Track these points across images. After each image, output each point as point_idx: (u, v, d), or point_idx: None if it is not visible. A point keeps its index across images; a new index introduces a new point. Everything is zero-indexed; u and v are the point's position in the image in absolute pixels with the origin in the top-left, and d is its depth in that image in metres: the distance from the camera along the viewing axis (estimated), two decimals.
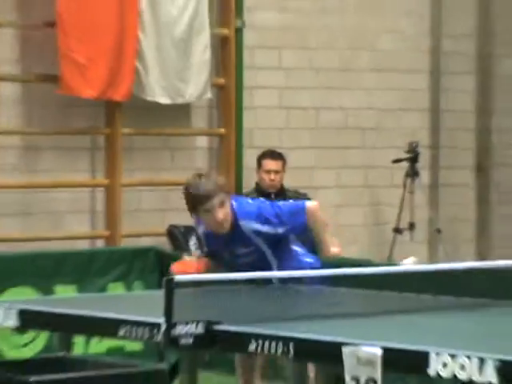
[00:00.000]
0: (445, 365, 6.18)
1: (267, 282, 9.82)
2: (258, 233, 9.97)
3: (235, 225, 9.89)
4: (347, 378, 6.58)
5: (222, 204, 9.69)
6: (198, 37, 14.84)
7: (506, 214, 17.36)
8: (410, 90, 16.91)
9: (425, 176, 16.42)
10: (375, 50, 16.64)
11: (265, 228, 10.02)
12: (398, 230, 15.65)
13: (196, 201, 9.78)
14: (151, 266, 13.58)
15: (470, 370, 6.05)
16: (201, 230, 10.14)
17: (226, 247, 10.05)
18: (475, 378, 5.97)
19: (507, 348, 6.12)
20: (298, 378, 8.09)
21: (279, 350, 6.93)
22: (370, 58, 16.58)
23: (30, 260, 13.28)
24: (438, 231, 16.33)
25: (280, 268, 9.96)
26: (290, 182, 14.45)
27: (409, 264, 13.59)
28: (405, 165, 15.69)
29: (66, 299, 11.00)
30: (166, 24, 14.60)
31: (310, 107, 16.02)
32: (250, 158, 14.93)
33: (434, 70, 17.20)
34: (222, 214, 9.71)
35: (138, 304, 9.07)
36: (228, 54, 15.30)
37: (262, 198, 13.00)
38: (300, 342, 6.90)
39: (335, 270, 9.92)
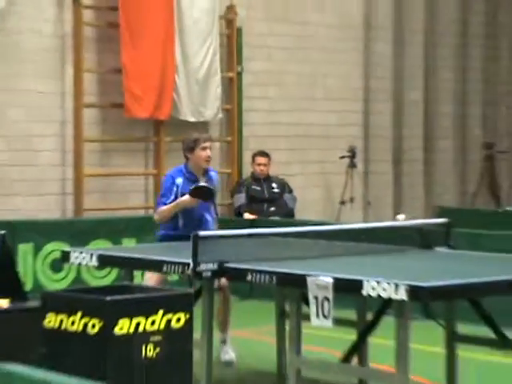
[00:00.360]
0: (373, 288, 6.80)
1: (261, 235, 10.22)
2: (214, 187, 10.34)
3: (208, 172, 10.51)
4: (310, 296, 7.12)
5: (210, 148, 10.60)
6: (213, 78, 14.98)
7: (412, 194, 17.54)
8: (350, 112, 16.89)
9: (360, 167, 16.60)
10: (326, 87, 16.61)
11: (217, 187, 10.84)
12: (342, 202, 15.94)
13: (199, 139, 10.48)
14: None
15: (389, 292, 6.69)
16: (179, 181, 10.22)
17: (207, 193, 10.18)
18: (393, 296, 6.69)
19: (412, 277, 6.96)
20: (280, 297, 8.99)
21: (267, 280, 7.52)
22: (324, 91, 16.60)
23: (106, 223, 13.60)
24: (369, 203, 16.76)
25: (208, 223, 10.31)
26: (273, 171, 14.83)
27: (401, 218, 15.16)
28: (347, 160, 16.13)
29: (129, 248, 11.60)
30: (192, 69, 14.77)
31: (286, 123, 16.12)
32: (247, 156, 15.31)
33: (365, 99, 17.13)
34: (210, 153, 10.54)
35: (175, 250, 9.09)
36: (232, 89, 15.54)
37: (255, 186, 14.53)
38: (280, 274, 7.48)
39: (305, 228, 10.82)
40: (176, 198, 10.19)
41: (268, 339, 9.75)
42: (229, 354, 10.04)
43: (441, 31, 18.10)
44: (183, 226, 10.22)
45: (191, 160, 10.47)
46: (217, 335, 9.28)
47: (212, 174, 10.77)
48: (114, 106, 14.47)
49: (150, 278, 9.80)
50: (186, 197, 10.09)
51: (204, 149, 10.56)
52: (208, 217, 10.44)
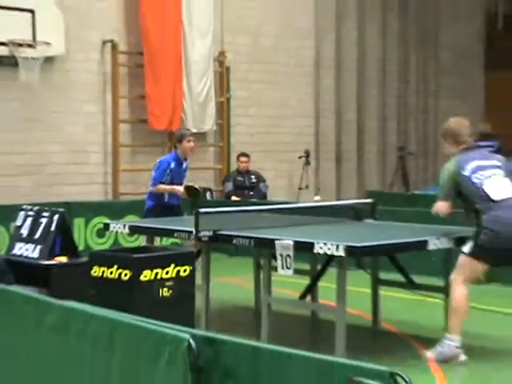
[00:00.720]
0: (321, 248, 6.90)
1: (243, 212, 10.03)
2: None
3: (186, 159, 10.51)
4: (277, 254, 7.18)
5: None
6: (209, 102, 14.87)
7: (349, 183, 17.43)
8: (306, 126, 16.76)
9: (312, 164, 16.34)
10: (289, 108, 16.48)
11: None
12: (300, 188, 15.72)
13: (185, 134, 10.51)
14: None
15: (332, 250, 6.81)
16: (172, 164, 10.30)
17: (180, 176, 10.40)
18: (334, 253, 6.82)
19: (348, 240, 7.05)
20: (256, 254, 9.00)
21: (247, 243, 7.63)
22: (288, 112, 16.46)
23: (135, 203, 12.95)
24: (318, 189, 16.45)
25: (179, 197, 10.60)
26: (251, 167, 14.71)
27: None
28: (303, 159, 15.91)
29: (150, 221, 10.36)
30: (195, 96, 14.60)
31: (261, 133, 15.90)
32: (233, 157, 15.14)
33: (316, 117, 16.97)
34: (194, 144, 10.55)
35: (182, 222, 9.07)
36: (223, 110, 15.33)
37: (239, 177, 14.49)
38: (256, 239, 7.57)
39: (274, 206, 11.05)
40: (169, 176, 10.31)
41: (248, 284, 9.69)
42: None
43: (368, 69, 17.94)
44: (168, 199, 10.41)
45: (179, 149, 10.49)
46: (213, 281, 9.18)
47: (188, 161, 10.74)
48: (140, 121, 14.39)
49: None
50: (180, 188, 10.32)
51: (189, 141, 10.52)
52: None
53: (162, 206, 10.44)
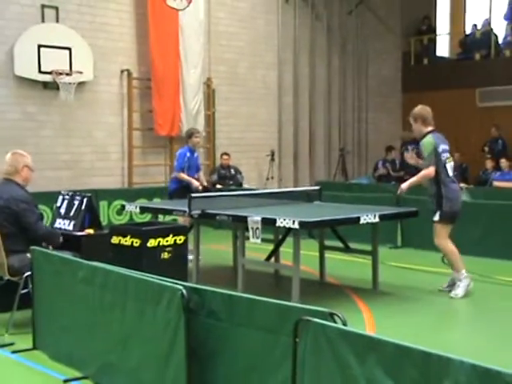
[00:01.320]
0: (281, 222, 6.92)
1: (225, 196, 10.22)
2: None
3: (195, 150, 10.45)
4: (249, 227, 7.22)
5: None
6: (200, 114, 14.64)
7: (303, 174, 17.31)
8: (271, 132, 16.57)
9: (276, 160, 16.30)
10: (259, 119, 16.32)
11: None
12: (267, 179, 15.58)
13: (193, 132, 10.46)
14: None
15: (290, 224, 6.82)
16: (188, 154, 10.18)
17: (195, 163, 10.33)
18: (291, 226, 6.83)
19: (302, 216, 7.10)
20: (234, 228, 8.91)
21: (227, 219, 7.65)
22: (258, 122, 16.28)
23: (145, 190, 13.22)
24: (281, 179, 16.44)
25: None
26: (231, 163, 14.53)
27: None
28: (269, 157, 15.89)
29: (155, 203, 11.18)
30: (189, 110, 14.35)
31: (238, 138, 15.72)
32: (218, 155, 14.94)
33: (279, 126, 16.70)
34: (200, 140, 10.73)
35: (179, 203, 8.70)
36: (210, 120, 15.17)
37: (222, 170, 14.46)
38: (234, 216, 7.61)
39: (247, 192, 11.06)
40: (187, 163, 10.18)
41: (229, 249, 9.68)
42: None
43: (317, 91, 17.83)
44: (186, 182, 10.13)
45: (190, 142, 10.39)
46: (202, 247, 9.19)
47: (197, 152, 10.64)
48: (149, 129, 14.22)
49: (183, 220, 9.35)
50: (196, 182, 10.17)
51: (196, 137, 10.50)
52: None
53: (183, 188, 10.12)
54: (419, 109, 7.80)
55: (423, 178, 7.66)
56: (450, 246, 7.66)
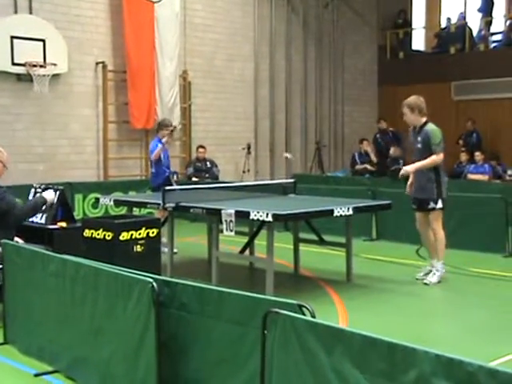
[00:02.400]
0: (255, 215, 6.91)
1: (200, 189, 10.04)
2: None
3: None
4: (223, 219, 7.21)
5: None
6: (176, 107, 14.58)
7: (279, 166, 17.24)
8: (248, 125, 16.54)
9: (253, 154, 16.21)
10: (235, 112, 16.31)
11: None
12: (244, 172, 15.47)
13: (169, 122, 10.57)
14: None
15: (263, 216, 6.82)
16: (160, 145, 10.15)
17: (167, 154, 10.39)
18: (265, 219, 6.81)
19: (276, 209, 7.11)
20: (208, 220, 8.74)
21: (201, 212, 7.62)
22: (234, 115, 16.25)
23: (120, 183, 13.22)
24: (257, 172, 16.45)
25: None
26: (207, 155, 14.47)
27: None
28: (246, 150, 15.77)
29: (130, 196, 11.34)
30: (165, 102, 14.31)
31: (214, 131, 15.73)
32: (194, 148, 14.83)
33: (255, 119, 16.69)
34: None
35: (154, 197, 8.76)
36: (186, 113, 15.10)
37: (198, 163, 14.42)
38: (208, 209, 7.57)
39: (223, 185, 10.91)
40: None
41: (204, 242, 9.63)
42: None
43: (293, 84, 17.81)
44: (168, 174, 10.33)
45: (160, 133, 10.34)
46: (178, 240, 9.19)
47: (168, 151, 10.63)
48: (124, 122, 14.16)
49: (158, 213, 9.28)
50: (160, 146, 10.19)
51: (167, 129, 10.43)
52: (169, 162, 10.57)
53: (168, 182, 10.13)
54: (415, 99, 7.85)
55: (432, 163, 7.73)
56: (442, 234, 7.88)
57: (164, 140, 10.28)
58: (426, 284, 7.79)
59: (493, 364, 3.08)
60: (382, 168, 15.41)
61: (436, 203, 7.78)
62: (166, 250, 8.59)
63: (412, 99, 7.83)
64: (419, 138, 7.78)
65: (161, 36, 14.34)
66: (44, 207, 6.72)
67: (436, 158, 7.69)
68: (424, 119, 7.81)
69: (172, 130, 10.71)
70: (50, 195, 6.74)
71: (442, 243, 7.87)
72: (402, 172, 7.90)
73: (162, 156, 10.34)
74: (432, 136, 7.68)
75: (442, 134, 7.84)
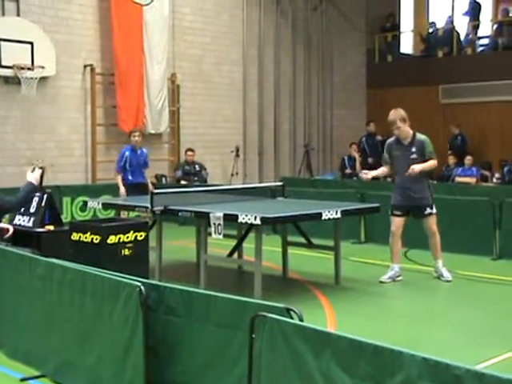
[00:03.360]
0: (243, 218, 6.92)
1: (188, 192, 9.97)
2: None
3: (141, 149, 10.96)
4: (212, 223, 7.21)
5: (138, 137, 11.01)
6: (164, 110, 14.64)
7: (268, 170, 17.32)
8: (236, 128, 16.56)
9: (241, 157, 16.24)
10: (223, 115, 16.32)
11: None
12: (232, 175, 15.64)
13: (134, 131, 11.01)
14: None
15: (252, 220, 6.83)
16: (127, 153, 10.78)
17: (137, 161, 10.78)
18: (253, 222, 6.82)
19: (264, 212, 7.12)
20: (197, 223, 8.58)
21: (189, 215, 7.62)
22: (223, 118, 16.27)
23: (108, 186, 12.59)
24: (245, 175, 16.47)
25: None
26: (196, 158, 14.43)
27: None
28: (234, 153, 15.85)
29: (118, 199, 10.66)
30: (154, 106, 14.36)
31: (202, 134, 15.73)
32: (182, 151, 14.84)
33: (244, 122, 16.73)
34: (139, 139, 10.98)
35: (141, 200, 8.66)
36: (174, 116, 15.07)
37: (186, 166, 14.42)
38: (196, 212, 7.57)
39: (212, 188, 10.82)
40: (124, 163, 10.81)
41: (192, 245, 9.61)
42: None
43: (282, 87, 17.82)
44: (132, 179, 10.89)
45: (131, 142, 10.94)
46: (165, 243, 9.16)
47: (144, 150, 11.12)
48: (112, 124, 14.16)
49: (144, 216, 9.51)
50: (123, 191, 10.74)
51: (134, 136, 10.99)
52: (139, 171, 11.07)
53: (129, 186, 10.77)
54: (400, 111, 8.07)
55: (433, 166, 8.18)
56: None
57: (143, 151, 11.08)
58: (448, 281, 8.12)
59: (480, 367, 3.09)
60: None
61: (432, 208, 8.12)
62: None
63: (398, 112, 8.06)
64: (413, 149, 7.99)
65: (149, 39, 14.35)
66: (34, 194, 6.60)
67: (436, 162, 8.14)
68: (411, 129, 8.10)
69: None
70: (35, 176, 6.26)
71: (439, 243, 8.22)
72: (410, 170, 7.91)
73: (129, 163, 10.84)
74: (428, 144, 8.01)
75: None
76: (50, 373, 4.93)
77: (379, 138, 17.03)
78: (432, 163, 8.05)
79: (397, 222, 8.14)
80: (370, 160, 16.56)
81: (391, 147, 8.15)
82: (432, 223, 8.13)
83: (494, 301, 7.35)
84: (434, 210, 8.13)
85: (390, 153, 8.15)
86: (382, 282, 8.05)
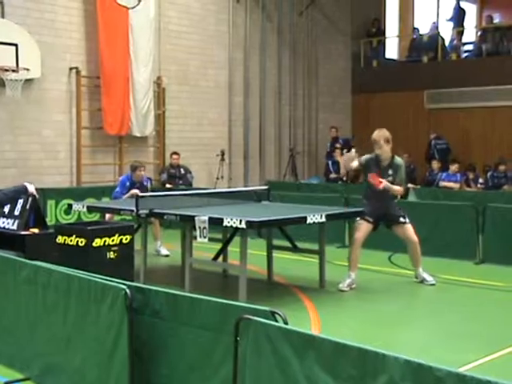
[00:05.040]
0: (228, 222, 6.87)
1: (173, 195, 10.19)
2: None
3: (142, 182, 10.39)
4: (197, 226, 7.21)
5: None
6: (150, 113, 14.60)
7: (253, 173, 17.31)
8: (221, 132, 16.56)
9: (227, 160, 16.21)
10: (209, 119, 16.32)
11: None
12: (217, 178, 15.53)
13: (138, 166, 10.41)
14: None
15: (237, 223, 6.83)
16: (127, 184, 10.23)
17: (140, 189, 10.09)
18: (239, 226, 6.82)
19: (249, 216, 7.02)
20: (182, 227, 8.62)
21: (174, 218, 7.66)
22: (208, 121, 16.25)
23: (93, 189, 13.10)
24: (231, 178, 16.44)
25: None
26: (181, 162, 14.40)
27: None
28: (220, 157, 15.78)
29: (103, 202, 11.15)
30: (139, 109, 14.28)
31: (188, 137, 15.62)
32: (167, 155, 14.80)
33: (229, 126, 16.69)
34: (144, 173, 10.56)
35: (126, 203, 8.68)
36: (160, 119, 15.06)
37: (172, 170, 14.44)
38: (182, 215, 7.60)
39: (197, 191, 10.95)
40: (127, 191, 10.13)
41: (178, 248, 9.59)
42: (165, 250, 10.38)
43: (267, 91, 17.85)
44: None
45: (134, 175, 10.41)
46: (151, 246, 9.17)
47: (145, 182, 10.59)
48: (98, 128, 14.12)
49: (108, 216, 9.55)
50: (136, 191, 9.82)
51: (140, 171, 10.50)
52: None
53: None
54: (385, 131, 8.16)
55: (398, 192, 8.31)
56: None
57: (146, 183, 10.57)
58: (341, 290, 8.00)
59: (462, 369, 3.12)
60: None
61: (405, 218, 8.19)
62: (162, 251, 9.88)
63: (383, 132, 8.15)
64: (390, 171, 8.10)
65: (135, 42, 14.33)
66: (22, 196, 6.65)
67: (402, 190, 8.43)
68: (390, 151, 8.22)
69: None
70: (31, 187, 6.55)
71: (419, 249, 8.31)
72: (381, 186, 7.95)
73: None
74: (403, 170, 8.19)
75: None
76: (34, 376, 4.91)
77: (337, 145, 17.50)
78: (399, 189, 8.18)
79: (364, 227, 8.13)
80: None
81: (370, 162, 8.16)
82: (411, 233, 8.17)
83: (477, 305, 7.41)
84: (408, 220, 8.18)
85: (368, 165, 8.16)
86: (341, 291, 7.97)
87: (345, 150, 16.98)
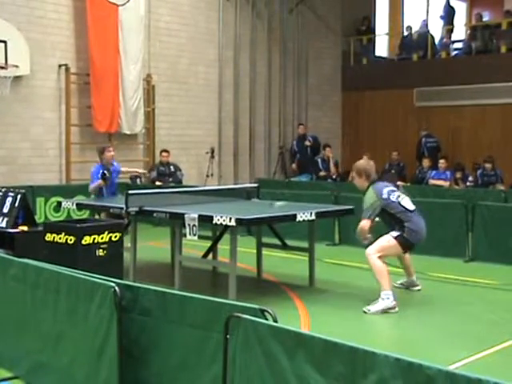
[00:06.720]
0: (218, 219, 6.93)
1: (163, 193, 9.87)
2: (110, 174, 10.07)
3: (113, 165, 10.24)
4: (186, 224, 7.19)
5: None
6: (139, 111, 14.65)
7: (243, 171, 17.34)
8: (211, 129, 16.50)
9: (216, 158, 16.32)
10: (199, 116, 16.33)
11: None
12: (207, 176, 15.62)
13: (106, 147, 10.38)
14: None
15: (227, 221, 6.85)
16: (100, 168, 10.02)
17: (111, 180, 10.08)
18: (228, 223, 6.84)
19: (239, 213, 7.06)
20: (172, 224, 8.44)
21: (164, 216, 7.62)
22: (198, 119, 16.25)
23: (82, 186, 11.94)
24: (221, 176, 16.47)
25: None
26: (171, 159, 14.45)
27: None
28: (209, 154, 15.87)
29: (92, 199, 10.46)
30: (129, 106, 14.36)
31: (177, 135, 15.69)
32: (157, 152, 14.86)
33: (219, 123, 16.69)
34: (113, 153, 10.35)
35: (116, 200, 8.87)
36: (150, 117, 15.09)
37: (161, 167, 14.40)
38: (171, 213, 7.55)
39: (186, 189, 10.74)
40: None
41: (167, 246, 9.60)
42: None
43: (257, 89, 17.89)
44: (106, 194, 10.03)
45: (103, 159, 10.20)
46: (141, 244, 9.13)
47: (115, 165, 10.42)
48: (87, 125, 14.12)
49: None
50: (99, 181, 9.93)
51: (109, 151, 10.32)
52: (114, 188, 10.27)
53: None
54: (364, 164, 7.53)
55: (359, 229, 7.34)
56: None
57: (116, 167, 10.32)
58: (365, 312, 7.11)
59: (452, 367, 3.12)
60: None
61: (393, 232, 7.42)
62: None
63: (361, 164, 7.53)
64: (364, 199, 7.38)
65: (125, 39, 14.33)
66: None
67: (363, 224, 7.21)
68: (367, 183, 7.38)
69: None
70: None
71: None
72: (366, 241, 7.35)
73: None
74: (366, 201, 7.32)
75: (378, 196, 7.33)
76: (22, 374, 4.88)
77: (307, 143, 17.76)
78: (362, 226, 7.22)
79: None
80: (297, 162, 17.66)
81: (378, 210, 7.46)
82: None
83: (467, 303, 7.41)
84: (394, 235, 7.28)
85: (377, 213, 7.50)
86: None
87: (327, 149, 17.14)
